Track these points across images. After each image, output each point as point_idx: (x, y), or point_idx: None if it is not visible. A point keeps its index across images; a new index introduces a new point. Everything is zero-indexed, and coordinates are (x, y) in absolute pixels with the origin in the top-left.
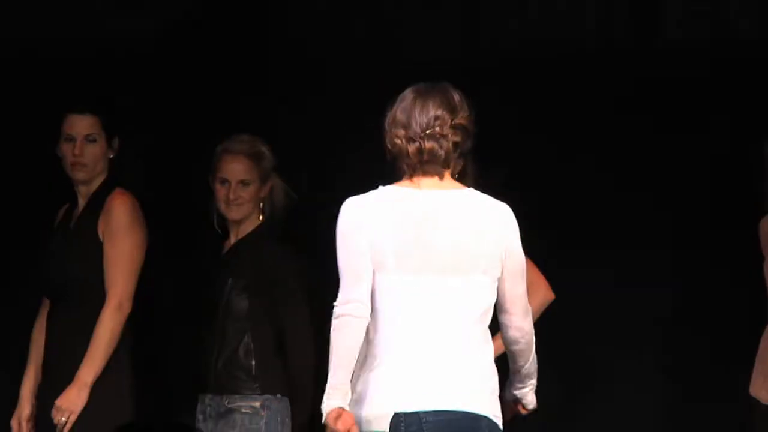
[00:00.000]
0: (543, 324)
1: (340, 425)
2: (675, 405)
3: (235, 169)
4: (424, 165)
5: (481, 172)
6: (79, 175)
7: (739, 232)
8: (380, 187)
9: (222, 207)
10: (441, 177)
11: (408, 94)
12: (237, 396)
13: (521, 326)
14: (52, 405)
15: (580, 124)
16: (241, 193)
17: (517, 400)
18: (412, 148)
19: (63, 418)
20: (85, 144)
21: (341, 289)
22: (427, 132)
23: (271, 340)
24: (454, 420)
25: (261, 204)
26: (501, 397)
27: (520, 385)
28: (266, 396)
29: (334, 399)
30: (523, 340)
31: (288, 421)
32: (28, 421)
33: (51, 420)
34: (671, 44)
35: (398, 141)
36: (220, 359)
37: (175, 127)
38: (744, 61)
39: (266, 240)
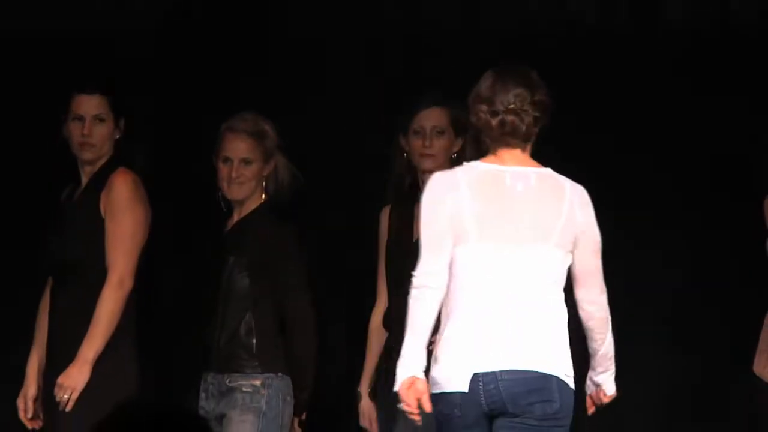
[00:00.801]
0: None
1: (411, 394)
2: (673, 373)
3: (238, 147)
4: (506, 138)
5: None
6: (87, 155)
7: (744, 214)
8: (465, 163)
9: (224, 186)
10: (522, 152)
11: (490, 74)
12: (238, 374)
13: (594, 300)
14: (51, 384)
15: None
16: (244, 172)
17: (598, 387)
18: (495, 121)
19: (65, 396)
20: (93, 124)
21: (421, 259)
22: (509, 107)
23: (272, 318)
24: (527, 379)
25: (264, 183)
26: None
27: (600, 369)
28: (267, 374)
29: (407, 367)
30: (597, 315)
31: (289, 399)
32: (34, 400)
33: (51, 398)
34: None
35: (482, 115)
36: (221, 338)
37: (179, 107)
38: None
39: (268, 219)
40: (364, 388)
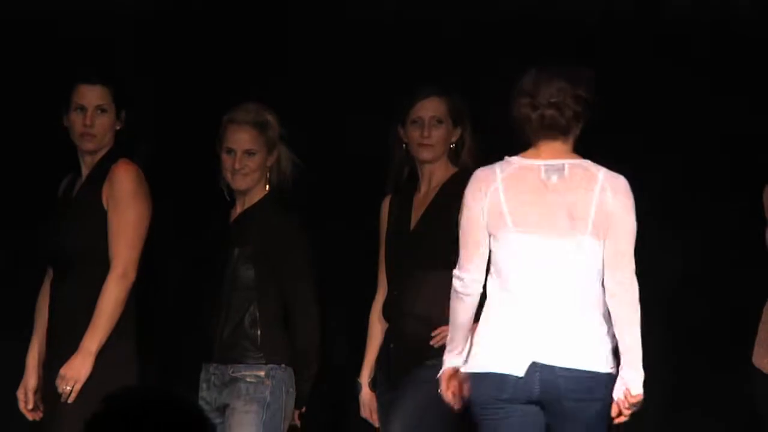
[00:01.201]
0: None
1: (450, 387)
2: (674, 365)
3: (241, 138)
4: (545, 131)
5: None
6: (88, 145)
7: (740, 203)
8: (506, 157)
9: (228, 177)
10: (562, 144)
11: (535, 69)
12: (242, 365)
13: (623, 281)
14: (53, 374)
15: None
16: (247, 163)
17: (624, 386)
18: (535, 115)
19: (68, 387)
20: (95, 114)
21: (462, 257)
22: (551, 101)
23: (276, 309)
24: (581, 378)
25: (267, 173)
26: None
27: (628, 365)
28: (271, 365)
29: (451, 358)
30: (619, 290)
31: (292, 390)
32: (35, 391)
33: (55, 389)
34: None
35: (523, 109)
36: (225, 328)
37: (180, 97)
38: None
39: (272, 209)
40: (364, 378)
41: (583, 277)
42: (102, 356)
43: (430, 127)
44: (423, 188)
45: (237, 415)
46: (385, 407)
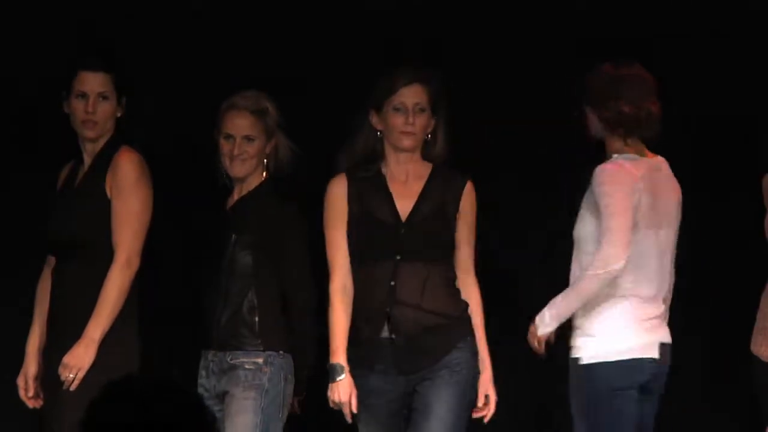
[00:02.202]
0: None
1: (542, 342)
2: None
3: (240, 124)
4: (643, 130)
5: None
6: (90, 132)
7: (738, 192)
8: (615, 156)
9: (226, 163)
10: (647, 144)
11: (612, 67)
12: (240, 352)
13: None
14: (58, 361)
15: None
16: (246, 149)
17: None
18: (641, 113)
19: (71, 375)
20: (98, 101)
21: (615, 247)
22: (649, 99)
23: (274, 296)
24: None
25: (265, 160)
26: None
27: None
28: (269, 352)
29: (554, 324)
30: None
31: (291, 377)
32: (35, 379)
33: (57, 377)
34: None
35: (626, 109)
36: (223, 315)
37: (178, 84)
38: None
39: (270, 196)
40: (344, 361)
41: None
42: (103, 344)
43: (414, 114)
44: (400, 176)
45: (236, 402)
46: (398, 395)
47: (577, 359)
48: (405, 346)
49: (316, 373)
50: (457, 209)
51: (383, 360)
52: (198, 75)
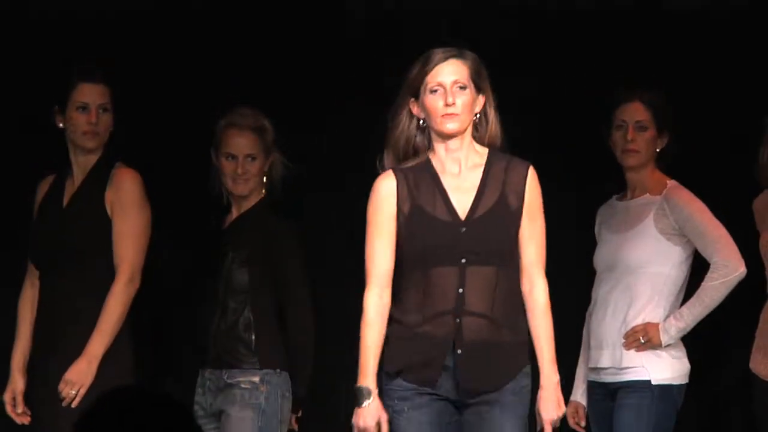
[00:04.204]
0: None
1: None
2: None
3: (242, 143)
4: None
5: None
6: (90, 144)
7: (734, 210)
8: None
9: (229, 182)
10: None
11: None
12: (236, 371)
13: None
14: (50, 376)
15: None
16: (249, 168)
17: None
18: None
19: (72, 392)
20: (99, 113)
21: (734, 249)
22: None
23: (271, 314)
24: None
25: (264, 178)
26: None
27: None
28: (266, 371)
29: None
30: None
31: (288, 395)
32: (23, 394)
33: (45, 391)
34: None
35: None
36: (220, 332)
37: (167, 99)
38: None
39: (269, 214)
40: (372, 384)
41: None
42: (102, 360)
43: (454, 93)
44: (452, 167)
45: (232, 421)
46: (446, 419)
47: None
48: (470, 361)
49: (314, 390)
50: (521, 202)
51: (441, 372)
52: (190, 87)
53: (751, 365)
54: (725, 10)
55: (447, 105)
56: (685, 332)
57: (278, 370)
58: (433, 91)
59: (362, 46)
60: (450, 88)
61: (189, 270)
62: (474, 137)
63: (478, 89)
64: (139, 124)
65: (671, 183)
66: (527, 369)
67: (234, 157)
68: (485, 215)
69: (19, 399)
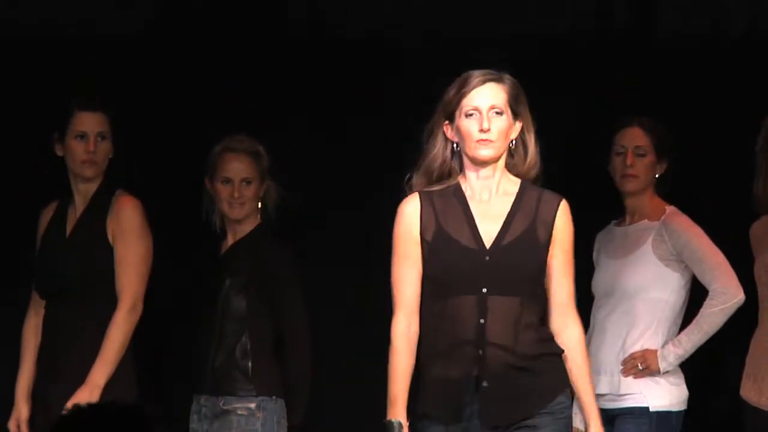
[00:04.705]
0: None
1: None
2: None
3: (238, 168)
4: None
5: None
6: (89, 172)
7: (733, 237)
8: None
9: (225, 207)
10: None
11: None
12: (233, 397)
13: None
14: (51, 403)
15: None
16: (245, 192)
17: None
18: None
19: None
20: (97, 141)
21: (733, 276)
22: None
23: (268, 340)
24: None
25: (259, 204)
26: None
27: None
28: (262, 397)
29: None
30: None
31: (284, 422)
32: (27, 422)
33: (47, 419)
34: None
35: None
36: (217, 359)
37: (163, 127)
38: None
39: (265, 240)
40: (403, 416)
41: None
42: (105, 388)
43: (489, 118)
44: (482, 194)
45: None
46: None
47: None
48: (496, 394)
49: (310, 416)
50: (550, 234)
51: (466, 412)
52: (191, 114)
53: (742, 393)
54: (725, 39)
55: (482, 131)
56: (683, 359)
57: (274, 397)
58: (469, 116)
59: (361, 67)
60: (486, 113)
61: (186, 296)
62: (508, 165)
63: (516, 115)
64: (138, 151)
65: (670, 209)
66: (562, 396)
67: (230, 181)
68: (511, 244)
69: (24, 427)
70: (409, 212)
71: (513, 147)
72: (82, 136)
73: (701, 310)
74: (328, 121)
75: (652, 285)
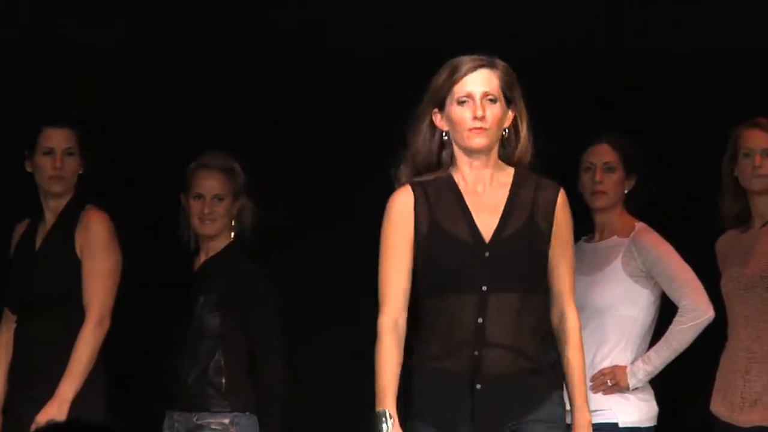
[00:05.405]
0: None
1: None
2: None
3: (210, 184)
4: None
5: None
6: (57, 188)
7: (703, 253)
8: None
9: (195, 222)
10: None
11: None
12: (207, 413)
13: None
14: (22, 418)
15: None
16: (216, 208)
17: None
18: None
19: None
20: (64, 157)
21: (703, 292)
22: None
23: (242, 357)
24: None
25: (232, 221)
26: None
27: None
28: (236, 413)
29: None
30: None
31: None
32: None
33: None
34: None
35: None
36: (190, 376)
37: (139, 143)
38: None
39: (238, 257)
40: (393, 409)
41: None
42: (73, 403)
43: (483, 105)
44: (476, 186)
45: None
46: None
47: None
48: (490, 397)
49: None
50: (551, 224)
51: (459, 414)
52: (164, 133)
53: (712, 407)
54: (690, 57)
55: (476, 118)
56: (652, 375)
57: (248, 413)
58: (461, 102)
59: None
60: (479, 99)
61: (158, 311)
62: (500, 155)
63: (509, 102)
64: (113, 167)
65: (639, 225)
66: (557, 397)
67: (202, 196)
68: (512, 237)
69: None
70: (402, 205)
71: (506, 136)
72: (49, 152)
73: (671, 326)
74: (311, 136)
75: (622, 302)
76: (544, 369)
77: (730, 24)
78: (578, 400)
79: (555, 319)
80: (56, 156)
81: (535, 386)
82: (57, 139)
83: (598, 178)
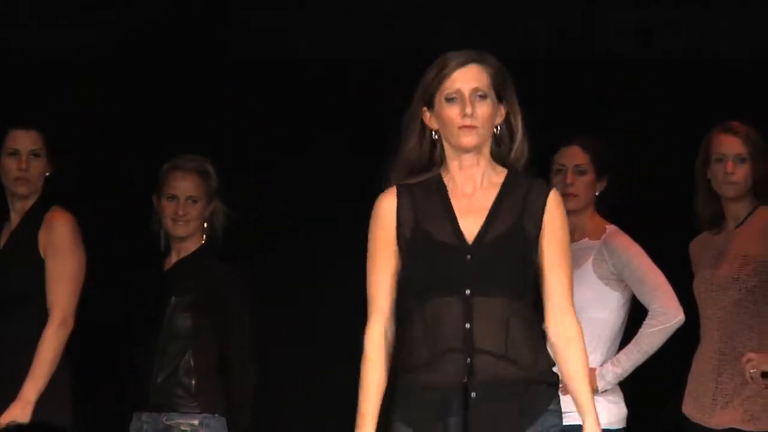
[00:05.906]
0: None
1: None
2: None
3: (184, 186)
4: None
5: None
6: (22, 189)
7: (672, 253)
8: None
9: (168, 223)
10: None
11: None
12: (175, 413)
13: None
14: None
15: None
16: (189, 210)
17: None
18: None
19: None
20: (30, 159)
21: (673, 296)
22: None
23: (212, 358)
24: None
25: (205, 223)
26: None
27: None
28: (205, 414)
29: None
30: None
31: None
32: None
33: None
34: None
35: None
36: (159, 376)
37: (107, 144)
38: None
39: (210, 259)
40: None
41: None
42: (38, 404)
43: (473, 102)
44: (465, 186)
45: None
46: None
47: None
48: (487, 406)
49: None
50: (539, 227)
51: (451, 424)
52: (137, 134)
53: (684, 409)
54: (663, 59)
55: (465, 115)
56: (622, 378)
57: (217, 415)
58: (450, 100)
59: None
60: (468, 96)
61: (126, 312)
62: (494, 155)
63: (500, 99)
64: (82, 168)
65: (610, 228)
66: (555, 406)
67: (175, 198)
68: (496, 240)
69: None
70: (385, 208)
71: (498, 134)
72: (15, 153)
73: (641, 329)
74: (291, 140)
75: (593, 304)
76: (539, 379)
77: (705, 29)
78: (588, 414)
79: (551, 327)
80: (22, 158)
81: (533, 395)
82: (23, 140)
83: (569, 180)
